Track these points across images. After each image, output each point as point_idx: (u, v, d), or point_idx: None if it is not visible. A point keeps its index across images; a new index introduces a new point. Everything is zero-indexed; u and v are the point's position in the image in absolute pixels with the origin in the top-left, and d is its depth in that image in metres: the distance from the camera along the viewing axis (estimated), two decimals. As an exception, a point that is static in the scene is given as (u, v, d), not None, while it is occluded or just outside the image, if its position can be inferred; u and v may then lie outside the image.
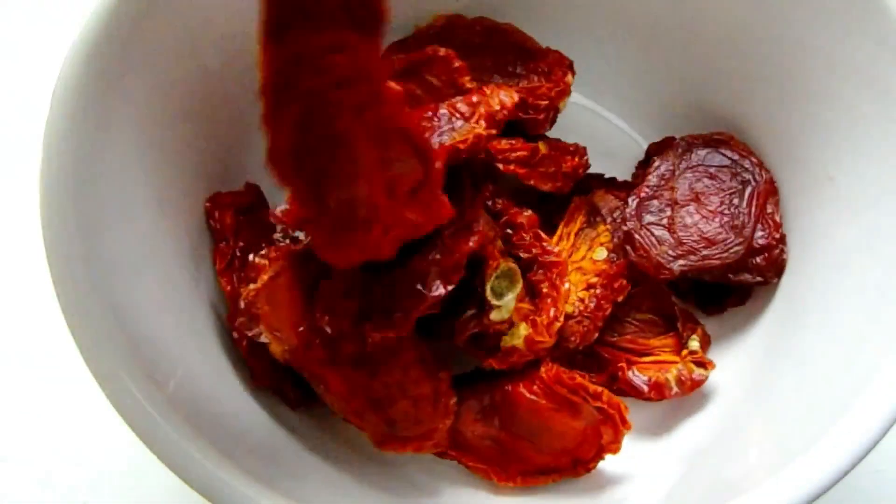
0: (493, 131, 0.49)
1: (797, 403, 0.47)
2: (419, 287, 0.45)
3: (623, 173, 0.62)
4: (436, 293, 0.44)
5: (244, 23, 0.38)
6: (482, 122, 0.49)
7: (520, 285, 0.49)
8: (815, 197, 0.53)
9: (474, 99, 0.51)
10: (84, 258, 0.40)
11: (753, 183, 0.56)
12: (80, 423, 0.59)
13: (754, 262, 0.54)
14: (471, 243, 0.46)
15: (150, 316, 0.44)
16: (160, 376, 0.40)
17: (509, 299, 0.48)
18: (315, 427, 0.52)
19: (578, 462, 0.50)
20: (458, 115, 0.50)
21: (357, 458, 0.52)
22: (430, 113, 0.51)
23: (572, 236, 0.58)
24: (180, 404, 0.40)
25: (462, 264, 0.46)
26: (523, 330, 0.49)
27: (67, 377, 0.59)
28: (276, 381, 0.49)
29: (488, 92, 0.52)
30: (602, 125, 0.66)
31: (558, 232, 0.58)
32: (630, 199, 0.56)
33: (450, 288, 0.45)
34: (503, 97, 0.51)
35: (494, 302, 0.48)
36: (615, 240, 0.57)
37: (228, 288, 0.50)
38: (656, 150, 0.60)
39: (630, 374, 0.54)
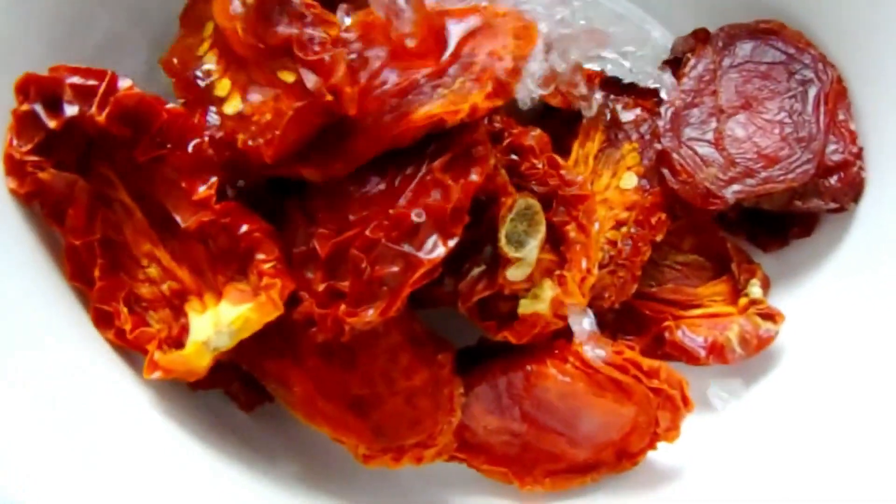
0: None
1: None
2: (407, 248, 0.34)
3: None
4: (433, 255, 0.34)
5: None
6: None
7: (543, 228, 0.38)
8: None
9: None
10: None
11: (818, 83, 0.46)
12: None
13: (827, 183, 0.45)
14: (473, 176, 0.35)
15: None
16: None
17: (531, 248, 0.38)
18: (276, 435, 0.42)
19: (624, 455, 0.41)
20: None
21: (335, 471, 0.42)
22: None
23: (590, 160, 0.47)
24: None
25: (465, 207, 0.34)
26: (549, 290, 0.38)
27: None
28: (221, 382, 0.38)
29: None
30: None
31: (573, 155, 0.47)
32: (663, 109, 0.47)
33: (451, 244, 0.34)
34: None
35: (513, 254, 0.37)
36: (645, 161, 0.46)
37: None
38: (687, 46, 0.49)
39: (680, 334, 0.44)
